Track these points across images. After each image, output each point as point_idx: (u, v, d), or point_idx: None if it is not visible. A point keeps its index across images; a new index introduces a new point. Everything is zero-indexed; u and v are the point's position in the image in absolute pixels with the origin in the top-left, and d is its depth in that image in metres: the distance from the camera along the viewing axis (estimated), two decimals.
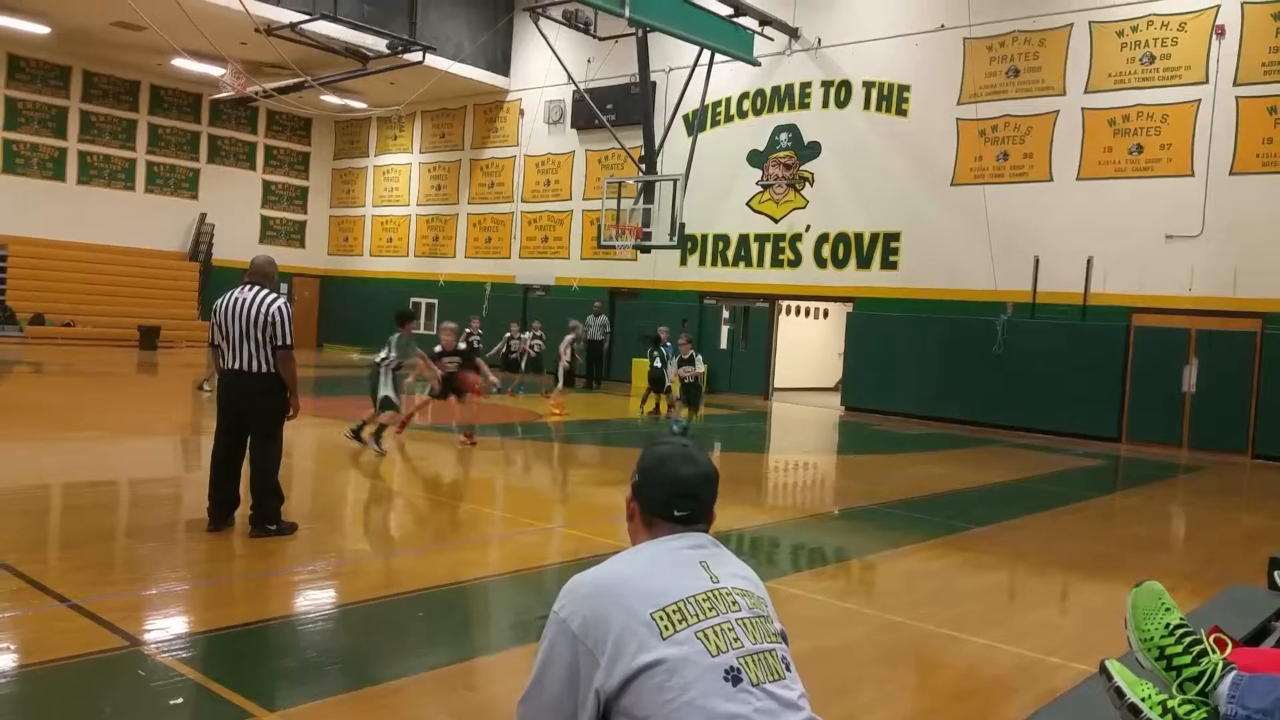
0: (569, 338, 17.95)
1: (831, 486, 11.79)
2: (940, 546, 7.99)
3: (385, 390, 10.52)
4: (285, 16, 20.93)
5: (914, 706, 4.58)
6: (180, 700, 3.95)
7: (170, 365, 21.51)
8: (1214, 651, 1.55)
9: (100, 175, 27.44)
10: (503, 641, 5.15)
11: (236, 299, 6.59)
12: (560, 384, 17.53)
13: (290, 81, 23.61)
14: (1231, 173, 15.81)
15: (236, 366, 6.56)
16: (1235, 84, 15.81)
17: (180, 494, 8.33)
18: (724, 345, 22.05)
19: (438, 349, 11.78)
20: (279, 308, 6.57)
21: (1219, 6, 15.92)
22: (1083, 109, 17.26)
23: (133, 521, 7.34)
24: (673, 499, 2.08)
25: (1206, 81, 16.06)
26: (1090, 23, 17.16)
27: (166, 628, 4.83)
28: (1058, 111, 17.53)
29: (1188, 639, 1.57)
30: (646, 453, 2.16)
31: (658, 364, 16.18)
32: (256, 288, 6.64)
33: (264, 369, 6.55)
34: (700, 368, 14.77)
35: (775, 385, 21.95)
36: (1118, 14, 16.89)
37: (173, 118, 28.73)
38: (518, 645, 4.85)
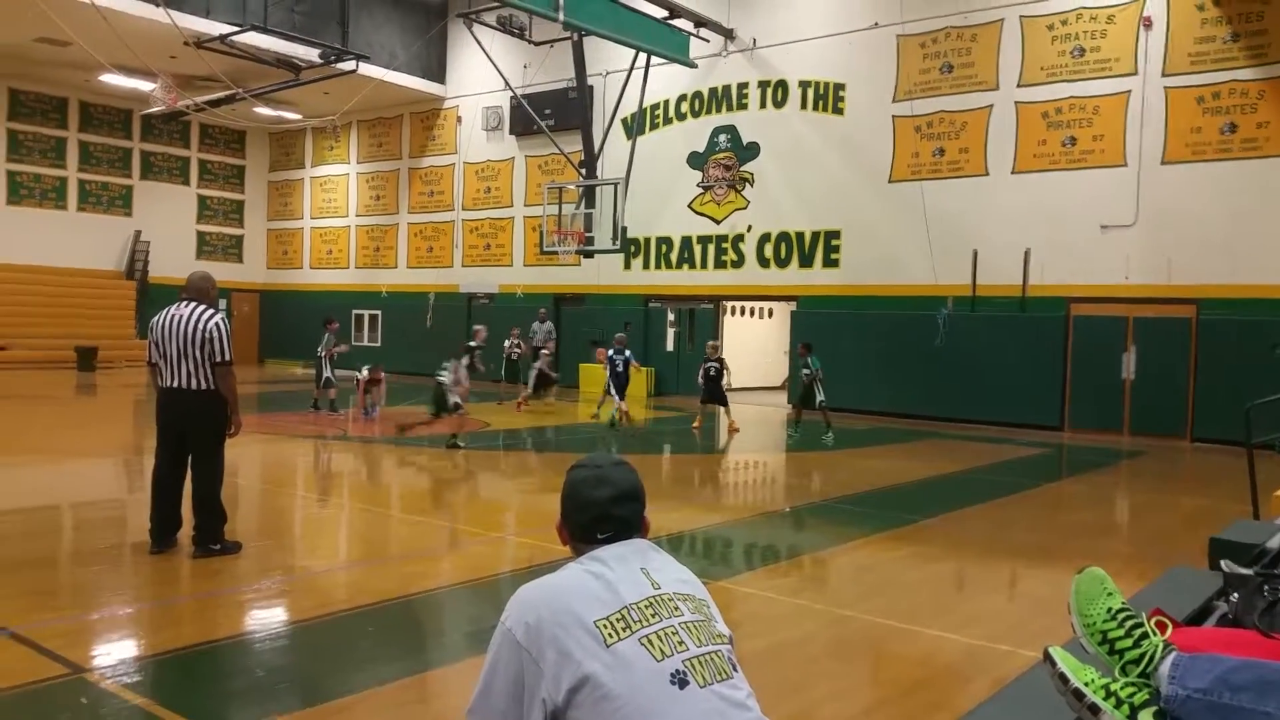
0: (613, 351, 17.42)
1: (781, 484, 11.81)
2: (889, 539, 8.02)
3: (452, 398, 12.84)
4: (214, 29, 20.59)
5: (868, 699, 4.57)
6: None
7: (109, 386, 21.09)
8: (1155, 634, 1.54)
9: (31, 195, 26.77)
10: (455, 653, 5.09)
11: (173, 316, 6.53)
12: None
13: (222, 94, 23.21)
14: (1163, 162, 16.15)
15: (175, 385, 6.49)
16: (1163, 75, 16.16)
17: (122, 516, 8.19)
18: (670, 348, 22.05)
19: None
20: (216, 323, 6.51)
21: None
22: (1016, 103, 17.53)
23: (74, 546, 7.19)
24: (593, 523, 2.12)
25: (1136, 73, 16.38)
26: (1021, 17, 17.43)
27: (110, 653, 4.72)
28: (992, 106, 17.78)
29: (1129, 622, 1.56)
30: (565, 479, 2.20)
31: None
32: (193, 304, 6.59)
33: (203, 386, 6.49)
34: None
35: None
36: (1048, 8, 17.18)
37: (103, 134, 28.13)
38: (470, 656, 4.75)
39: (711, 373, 16.01)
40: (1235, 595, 2.18)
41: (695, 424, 16.14)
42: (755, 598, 6.13)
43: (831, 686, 4.63)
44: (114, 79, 23.60)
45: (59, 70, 24.87)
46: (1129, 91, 16.45)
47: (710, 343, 17.47)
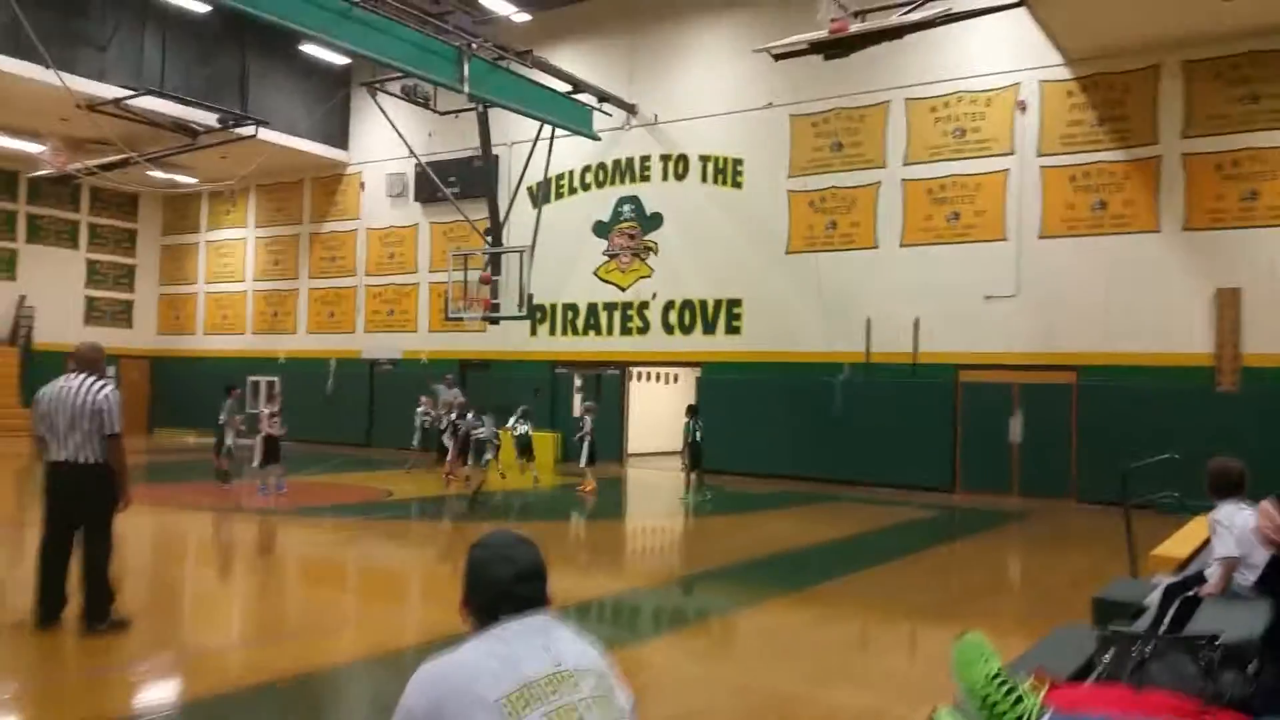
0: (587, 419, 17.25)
1: (686, 549, 11.93)
2: (792, 603, 8.21)
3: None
4: (109, 92, 20.15)
5: None
6: None
7: None
8: (1029, 696, 1.70)
9: None
10: None
11: (62, 388, 6.43)
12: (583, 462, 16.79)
13: (116, 158, 22.65)
14: (1040, 236, 17.08)
15: (63, 458, 6.35)
16: (1039, 155, 17.17)
17: (2, 594, 7.85)
18: (577, 413, 22.06)
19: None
20: (106, 395, 6.42)
21: (1020, 84, 17.32)
22: (902, 180, 18.37)
23: None
24: (496, 602, 2.12)
25: (1013, 152, 17.38)
26: (905, 99, 18.35)
27: None
28: (880, 182, 18.60)
29: (1006, 685, 1.72)
30: (467, 559, 2.20)
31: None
32: (83, 375, 6.48)
33: (92, 459, 6.36)
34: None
35: (629, 451, 22.12)
36: (930, 91, 18.13)
37: None
38: None
39: (583, 429, 16.92)
40: (1109, 654, 2.37)
41: (584, 488, 16.28)
42: (661, 664, 6.21)
43: None
44: None
45: None
46: (1007, 170, 17.42)
47: (586, 405, 18.30)
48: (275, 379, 26.11)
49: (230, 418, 15.41)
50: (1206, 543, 5.95)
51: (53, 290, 27.98)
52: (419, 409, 19.23)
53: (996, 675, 1.75)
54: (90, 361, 6.59)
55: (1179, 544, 7.58)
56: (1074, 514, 15.28)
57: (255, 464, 14.44)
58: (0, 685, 5.32)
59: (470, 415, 15.67)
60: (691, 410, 16.22)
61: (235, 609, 7.95)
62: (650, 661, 6.22)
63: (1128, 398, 15.86)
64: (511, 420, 16.46)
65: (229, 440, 15.32)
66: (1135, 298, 16.18)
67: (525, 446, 17.31)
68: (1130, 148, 16.43)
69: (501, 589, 2.12)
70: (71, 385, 6.40)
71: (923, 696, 5.52)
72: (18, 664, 5.81)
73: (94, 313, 29.47)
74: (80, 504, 6.42)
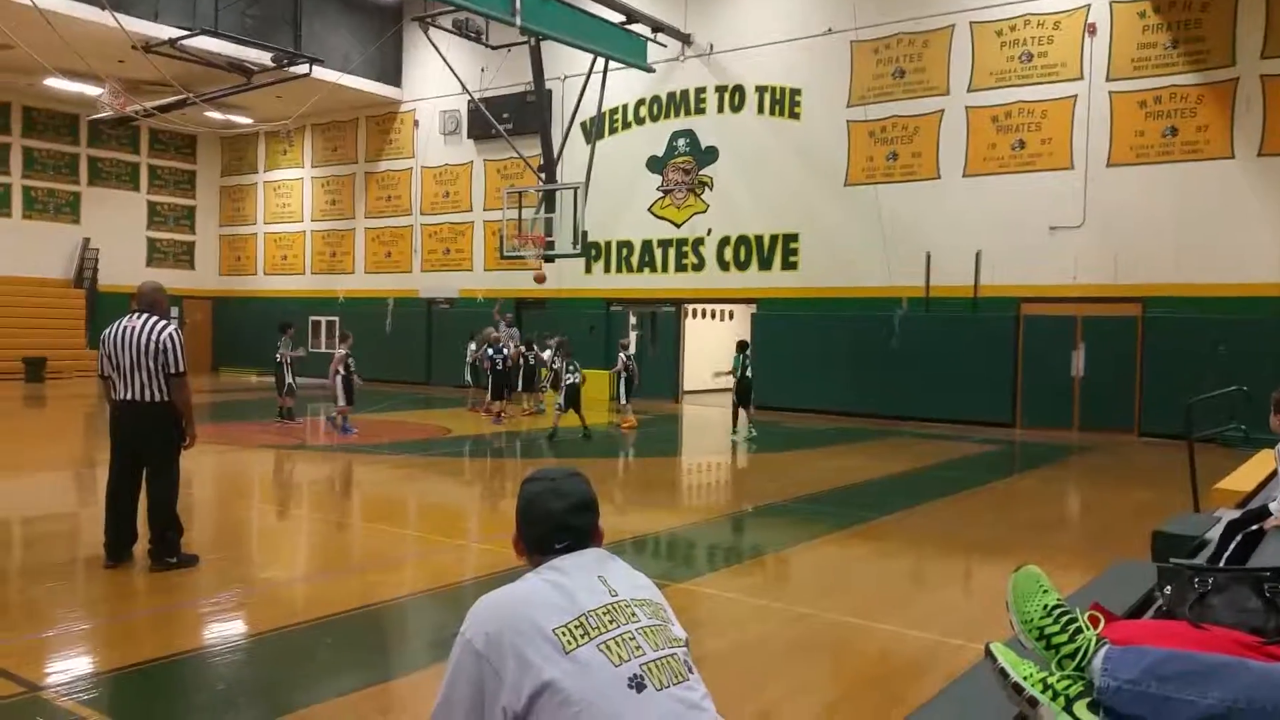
0: (622, 356, 17.58)
1: (742, 485, 11.94)
2: (848, 537, 8.18)
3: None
4: (163, 33, 20.23)
5: (827, 696, 4.68)
6: None
7: (59, 397, 20.69)
8: (1088, 628, 1.64)
9: None
10: (417, 662, 5.09)
11: (125, 328, 6.46)
12: (623, 399, 17.19)
13: (172, 99, 22.85)
14: (1108, 165, 16.52)
15: (129, 397, 6.42)
16: (1108, 79, 16.53)
17: (76, 531, 8.08)
18: (633, 350, 22.08)
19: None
20: (169, 335, 6.45)
21: (1090, 5, 16.63)
22: (966, 107, 17.83)
23: (26, 562, 7.06)
24: (549, 535, 2.14)
25: (1082, 78, 16.75)
26: (971, 23, 17.74)
27: (68, 670, 4.66)
28: (943, 110, 18.08)
29: (1064, 618, 1.66)
30: (519, 494, 2.23)
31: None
32: (145, 315, 6.52)
33: (157, 398, 6.43)
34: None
35: (685, 388, 22.13)
36: (996, 14, 17.50)
37: (49, 139, 27.59)
38: (432, 665, 4.76)
39: (618, 366, 17.23)
40: (1169, 588, 2.29)
41: (624, 424, 16.34)
42: (717, 598, 6.22)
43: (791, 684, 4.72)
44: (59, 83, 23.16)
45: (1, 74, 24.37)
46: (1075, 96, 16.81)
47: (620, 340, 18.49)
48: (335, 318, 26.56)
49: (285, 354, 15.63)
50: (1272, 476, 5.77)
51: (115, 232, 28.65)
52: (471, 346, 19.37)
53: (1055, 608, 1.68)
54: (152, 301, 6.63)
55: (1243, 478, 7.37)
56: (1136, 449, 14.99)
57: (338, 403, 14.69)
58: (72, 622, 5.46)
59: (558, 353, 15.73)
60: (741, 346, 16.05)
61: (299, 544, 8.10)
62: (705, 595, 6.23)
63: (1194, 329, 15.44)
64: (549, 353, 16.62)
65: (289, 378, 15.60)
66: (1206, 227, 15.64)
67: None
68: (1205, 70, 15.75)
69: (554, 522, 2.14)
70: (134, 325, 6.44)
71: (977, 631, 5.47)
72: (89, 599, 5.95)
73: (156, 254, 30.11)
74: (146, 442, 6.50)
